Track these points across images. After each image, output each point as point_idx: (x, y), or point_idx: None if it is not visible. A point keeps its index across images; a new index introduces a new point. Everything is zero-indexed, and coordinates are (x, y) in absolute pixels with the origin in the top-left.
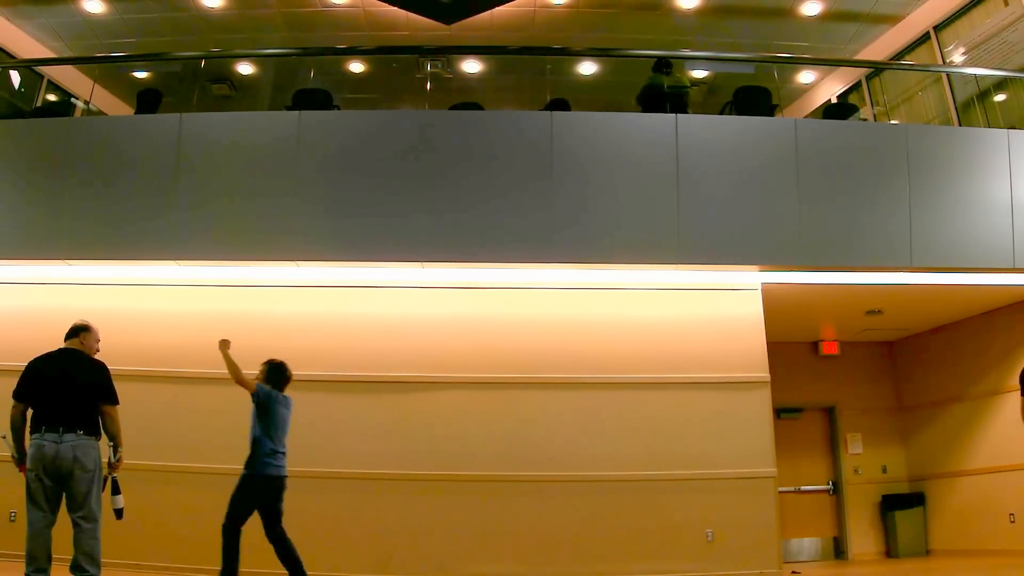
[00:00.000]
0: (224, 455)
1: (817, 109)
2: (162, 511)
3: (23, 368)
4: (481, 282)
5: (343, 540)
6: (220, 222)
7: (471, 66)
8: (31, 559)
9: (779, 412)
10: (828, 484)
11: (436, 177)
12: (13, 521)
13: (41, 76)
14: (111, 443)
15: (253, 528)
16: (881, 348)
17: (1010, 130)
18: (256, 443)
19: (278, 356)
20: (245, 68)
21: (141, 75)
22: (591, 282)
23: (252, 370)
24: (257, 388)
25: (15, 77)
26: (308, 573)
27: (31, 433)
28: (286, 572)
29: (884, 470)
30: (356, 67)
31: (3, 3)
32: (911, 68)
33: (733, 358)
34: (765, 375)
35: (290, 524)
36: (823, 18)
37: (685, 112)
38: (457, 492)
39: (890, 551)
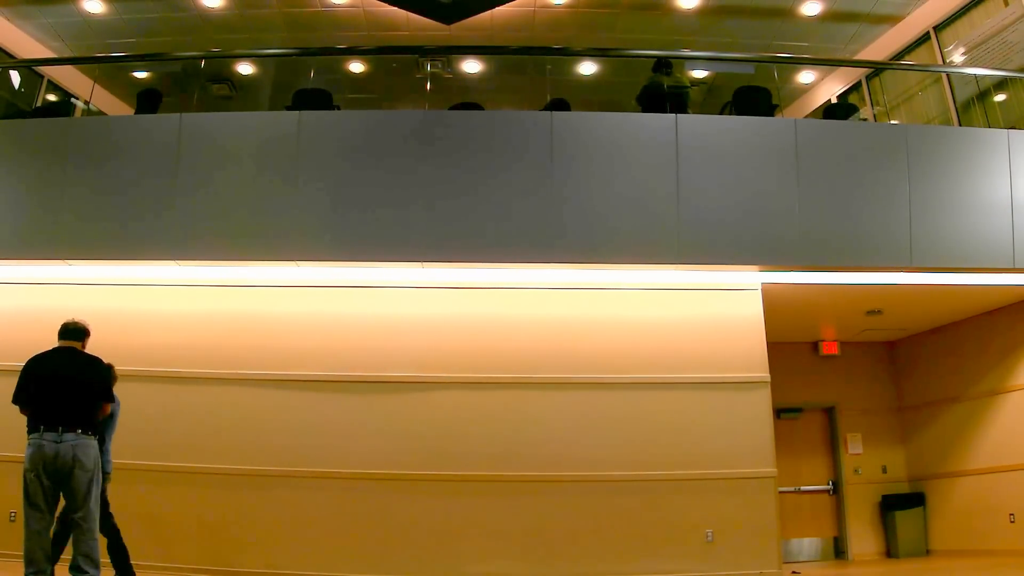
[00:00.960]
0: (224, 455)
1: (817, 109)
2: (162, 511)
3: (22, 368)
4: (481, 282)
5: (343, 540)
6: (220, 222)
7: (471, 66)
8: (30, 561)
9: (779, 412)
10: (828, 484)
11: (436, 177)
12: (13, 521)
13: (41, 76)
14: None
15: (254, 528)
16: (881, 348)
17: (1010, 130)
18: (104, 442)
19: (278, 356)
20: (245, 68)
21: (141, 75)
22: (591, 282)
23: (253, 370)
24: (116, 398)
25: (15, 77)
26: (307, 573)
27: (29, 433)
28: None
29: (884, 470)
30: (356, 67)
31: (3, 3)
32: (911, 68)
33: (733, 358)
34: (765, 375)
35: (290, 524)
36: (823, 18)
37: (685, 112)
38: (457, 492)
39: (890, 551)
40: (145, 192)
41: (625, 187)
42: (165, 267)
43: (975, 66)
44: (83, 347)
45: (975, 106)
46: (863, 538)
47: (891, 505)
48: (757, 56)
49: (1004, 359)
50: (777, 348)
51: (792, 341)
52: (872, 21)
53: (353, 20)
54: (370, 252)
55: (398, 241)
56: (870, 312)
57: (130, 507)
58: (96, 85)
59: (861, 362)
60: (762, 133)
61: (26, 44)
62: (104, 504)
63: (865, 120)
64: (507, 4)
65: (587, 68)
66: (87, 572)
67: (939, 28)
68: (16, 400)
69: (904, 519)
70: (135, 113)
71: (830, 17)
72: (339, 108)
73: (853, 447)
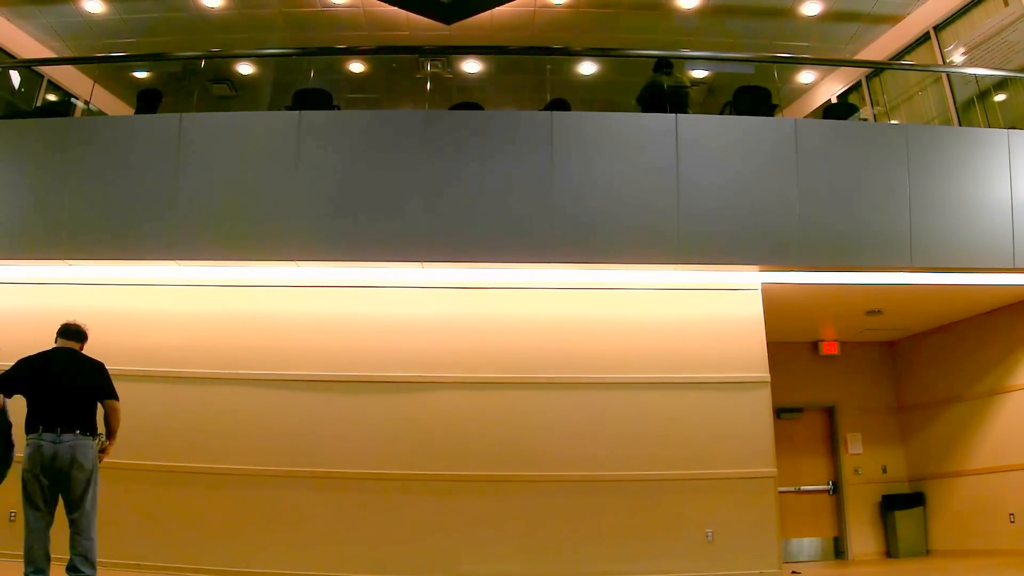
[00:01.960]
0: (224, 455)
1: (817, 109)
2: (162, 511)
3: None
4: (481, 282)
5: (343, 540)
6: (220, 222)
7: (471, 66)
8: (29, 560)
9: (779, 412)
10: (828, 484)
11: (436, 177)
12: (13, 521)
13: (41, 76)
14: (105, 433)
15: (254, 528)
16: (881, 348)
17: (1010, 130)
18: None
19: (278, 356)
20: (245, 68)
21: (141, 75)
22: (591, 282)
23: (253, 370)
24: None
25: (15, 77)
26: (307, 572)
27: (28, 433)
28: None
29: (884, 470)
30: (356, 67)
31: (3, 3)
32: (911, 68)
33: (733, 358)
34: (765, 375)
35: (290, 524)
36: (823, 18)
37: (685, 112)
38: (457, 492)
39: (890, 551)
40: (145, 192)
41: (625, 187)
42: (165, 267)
43: (975, 66)
44: (81, 349)
45: (975, 106)
46: (863, 538)
47: (891, 505)
48: (757, 56)
49: (1004, 359)
50: (777, 348)
51: (792, 341)
52: (872, 21)
53: (353, 20)
54: (370, 252)
55: (398, 241)
56: (870, 312)
57: (130, 507)
58: (96, 85)
59: (861, 362)
60: (762, 133)
61: (26, 44)
62: None
63: (865, 120)
64: (507, 4)
65: (587, 68)
66: (83, 572)
67: (939, 28)
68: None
69: (904, 519)
70: (135, 113)
71: (830, 17)
72: (339, 108)
73: (853, 447)
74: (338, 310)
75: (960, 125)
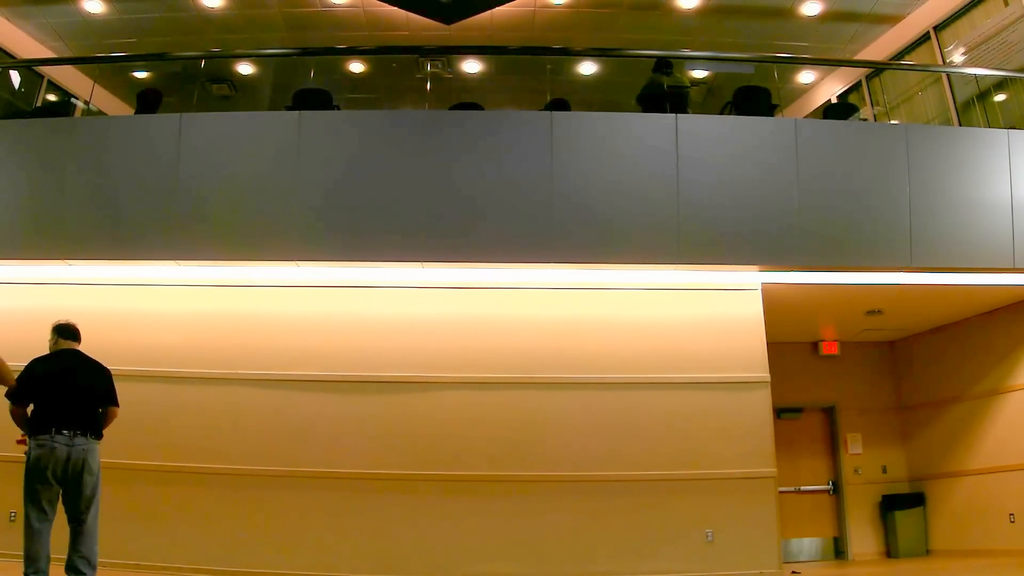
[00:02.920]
0: (224, 455)
1: (817, 109)
2: (162, 511)
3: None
4: (481, 282)
5: (343, 540)
6: (220, 222)
7: (471, 66)
8: (30, 560)
9: (779, 412)
10: (828, 484)
11: (436, 177)
12: (13, 521)
13: (41, 76)
14: None
15: (254, 528)
16: (881, 348)
17: (1010, 130)
18: None
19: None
20: (245, 68)
21: (141, 75)
22: (591, 282)
23: (253, 370)
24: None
25: (15, 77)
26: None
27: (36, 434)
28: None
29: (884, 470)
30: (356, 67)
31: (3, 3)
32: (911, 68)
33: (733, 358)
34: (765, 375)
35: (290, 524)
36: (823, 18)
37: (685, 112)
38: (457, 492)
39: (890, 551)
40: (145, 192)
41: (625, 187)
42: (165, 267)
43: (975, 66)
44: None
45: (975, 106)
46: (863, 538)
47: (891, 505)
48: (757, 56)
49: (1004, 359)
50: (777, 348)
51: (792, 341)
52: (872, 21)
53: (353, 20)
54: (370, 252)
55: (398, 241)
56: (870, 312)
57: (130, 507)
58: (96, 85)
59: (861, 362)
60: (762, 133)
61: (26, 44)
62: None
63: (865, 120)
64: (507, 4)
65: (587, 68)
66: (84, 573)
67: (939, 28)
68: (14, 398)
69: (904, 519)
70: (135, 113)
71: (830, 17)
72: (339, 108)
73: (853, 447)
74: (338, 310)
75: (960, 125)
